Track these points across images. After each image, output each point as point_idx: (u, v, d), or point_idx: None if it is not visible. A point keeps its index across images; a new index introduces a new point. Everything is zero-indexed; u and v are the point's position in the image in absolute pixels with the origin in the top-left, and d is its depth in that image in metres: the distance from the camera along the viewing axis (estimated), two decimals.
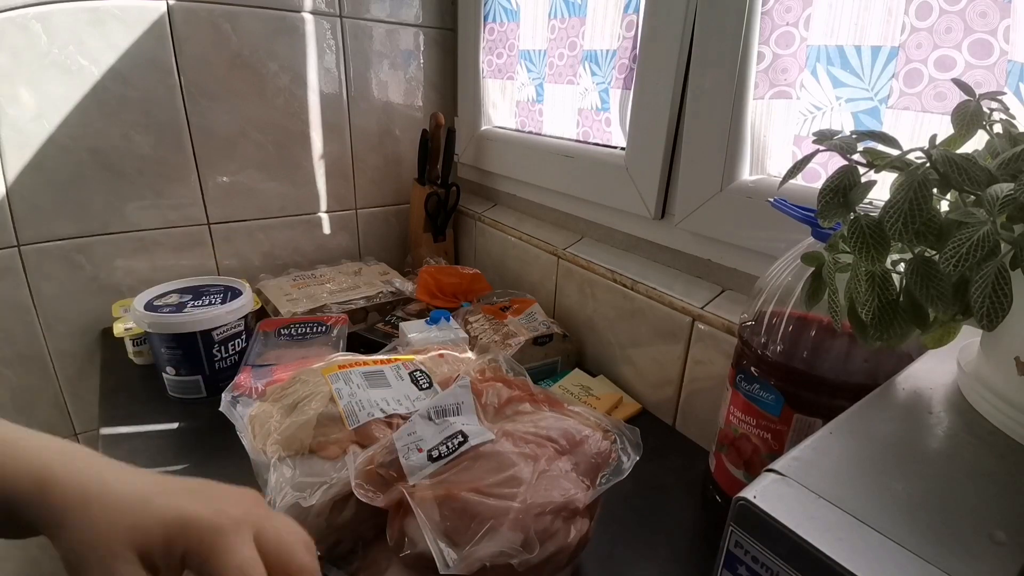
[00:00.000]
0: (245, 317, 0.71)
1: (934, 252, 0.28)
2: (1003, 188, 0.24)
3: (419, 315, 0.84)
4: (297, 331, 0.72)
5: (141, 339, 0.75)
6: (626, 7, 0.70)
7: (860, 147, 0.31)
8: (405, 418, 0.47)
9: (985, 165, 0.26)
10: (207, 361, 0.68)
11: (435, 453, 0.42)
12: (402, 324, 0.74)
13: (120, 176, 0.81)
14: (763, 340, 0.42)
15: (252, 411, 0.50)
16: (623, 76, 0.72)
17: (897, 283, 0.30)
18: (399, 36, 0.98)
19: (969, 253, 0.24)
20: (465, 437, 0.43)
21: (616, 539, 0.51)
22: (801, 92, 0.54)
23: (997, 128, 0.31)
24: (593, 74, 0.78)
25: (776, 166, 0.58)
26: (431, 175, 1.01)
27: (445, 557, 0.35)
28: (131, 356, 0.76)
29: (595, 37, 0.76)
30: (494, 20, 0.93)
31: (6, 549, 0.91)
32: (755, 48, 0.55)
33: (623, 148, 0.73)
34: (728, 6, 0.55)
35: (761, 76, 0.55)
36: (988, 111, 0.31)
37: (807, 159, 0.33)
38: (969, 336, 0.34)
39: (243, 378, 0.58)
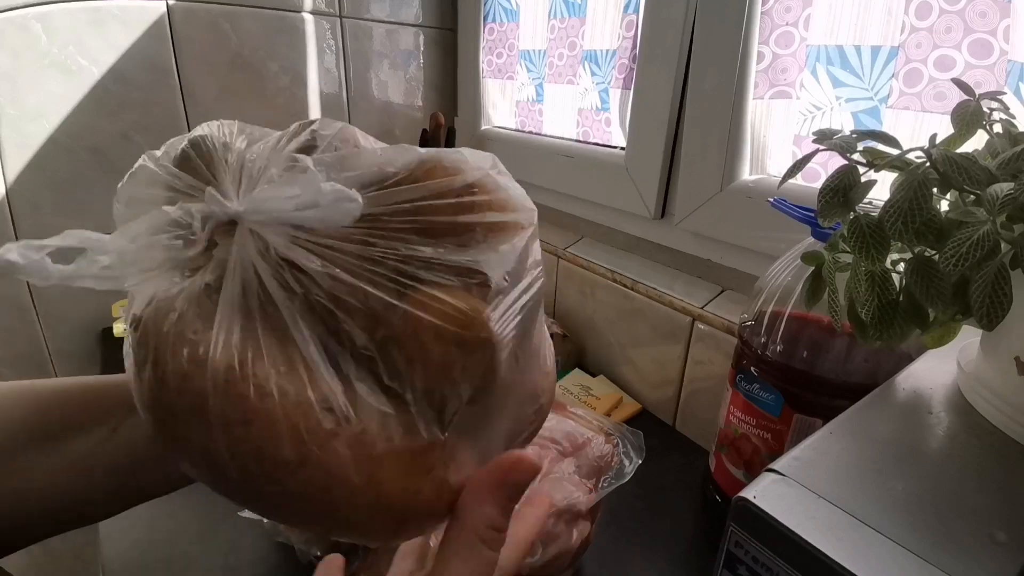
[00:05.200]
0: None
1: (934, 252, 0.28)
2: (1003, 188, 0.24)
3: None
4: None
5: None
6: (626, 7, 0.70)
7: (860, 147, 0.30)
8: None
9: (985, 165, 0.26)
10: None
11: None
12: None
13: (120, 176, 0.80)
14: (763, 340, 0.42)
15: None
16: (623, 76, 0.72)
17: (897, 283, 0.30)
18: (399, 36, 0.98)
19: (969, 253, 0.24)
20: None
21: (616, 539, 0.51)
22: (801, 92, 0.54)
23: (997, 128, 0.31)
24: (593, 74, 0.78)
25: (776, 166, 0.58)
26: None
27: None
28: None
29: (595, 37, 0.76)
30: (494, 20, 0.93)
31: None
32: (755, 48, 0.55)
33: (623, 148, 0.73)
34: (728, 6, 0.55)
35: (761, 76, 0.55)
36: (988, 111, 0.31)
37: (807, 159, 0.33)
38: (969, 336, 0.34)
39: None
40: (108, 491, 0.27)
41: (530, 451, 0.42)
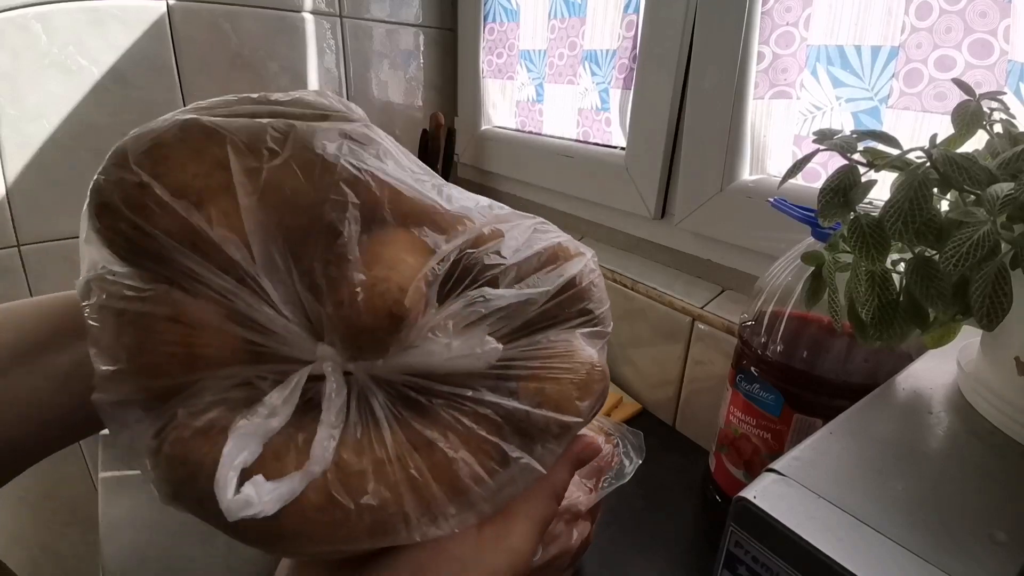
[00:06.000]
0: None
1: (934, 252, 0.28)
2: (1003, 188, 0.24)
3: None
4: None
5: None
6: (626, 7, 0.70)
7: (860, 147, 0.30)
8: None
9: (985, 165, 0.26)
10: None
11: None
12: None
13: None
14: (763, 340, 0.42)
15: None
16: (623, 76, 0.72)
17: (897, 283, 0.30)
18: (399, 36, 0.98)
19: (969, 253, 0.24)
20: None
21: (616, 539, 0.51)
22: (801, 92, 0.54)
23: (997, 128, 0.31)
24: (593, 74, 0.78)
25: (776, 166, 0.58)
26: None
27: None
28: None
29: (595, 37, 0.76)
30: (494, 20, 0.93)
31: (6, 548, 0.91)
32: (755, 48, 0.55)
33: (623, 148, 0.73)
34: (728, 6, 0.55)
35: (761, 76, 0.55)
36: (988, 111, 0.31)
37: (807, 159, 0.33)
38: (969, 336, 0.34)
39: None
40: (90, 405, 0.28)
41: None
